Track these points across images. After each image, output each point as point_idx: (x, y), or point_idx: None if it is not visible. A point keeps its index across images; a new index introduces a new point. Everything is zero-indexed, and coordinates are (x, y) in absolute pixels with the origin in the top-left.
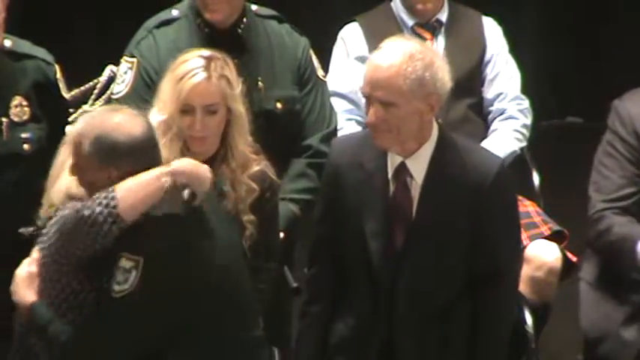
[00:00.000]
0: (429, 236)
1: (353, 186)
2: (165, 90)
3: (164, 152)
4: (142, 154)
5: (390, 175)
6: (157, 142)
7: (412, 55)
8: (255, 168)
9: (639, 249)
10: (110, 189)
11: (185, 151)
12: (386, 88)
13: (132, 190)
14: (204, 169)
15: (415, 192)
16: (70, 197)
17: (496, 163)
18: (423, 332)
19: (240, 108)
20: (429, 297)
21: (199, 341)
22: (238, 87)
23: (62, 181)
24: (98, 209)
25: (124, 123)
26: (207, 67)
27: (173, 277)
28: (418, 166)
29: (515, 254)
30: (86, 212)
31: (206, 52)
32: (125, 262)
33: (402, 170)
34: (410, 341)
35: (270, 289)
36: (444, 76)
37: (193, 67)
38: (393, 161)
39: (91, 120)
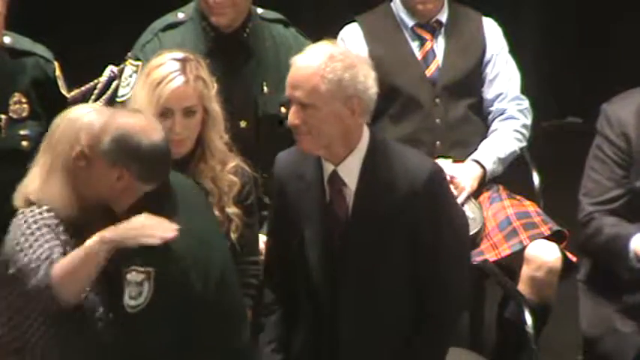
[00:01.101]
0: (364, 243)
1: (294, 197)
2: (142, 95)
3: None
4: (157, 163)
5: (325, 184)
6: (170, 154)
7: (332, 56)
8: (233, 163)
9: (631, 247)
10: (48, 263)
11: None
12: (304, 88)
13: (68, 274)
14: (158, 225)
15: (350, 199)
16: (29, 203)
17: (427, 168)
18: (367, 339)
19: (216, 107)
20: (369, 302)
21: (197, 353)
22: (213, 87)
23: (26, 183)
24: (34, 281)
25: (147, 128)
26: (183, 70)
27: (184, 287)
28: (350, 173)
29: (453, 257)
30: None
31: (179, 55)
32: (136, 276)
33: (334, 178)
34: (354, 347)
35: (259, 284)
36: (367, 80)
37: (170, 71)
38: (327, 170)
39: (113, 116)
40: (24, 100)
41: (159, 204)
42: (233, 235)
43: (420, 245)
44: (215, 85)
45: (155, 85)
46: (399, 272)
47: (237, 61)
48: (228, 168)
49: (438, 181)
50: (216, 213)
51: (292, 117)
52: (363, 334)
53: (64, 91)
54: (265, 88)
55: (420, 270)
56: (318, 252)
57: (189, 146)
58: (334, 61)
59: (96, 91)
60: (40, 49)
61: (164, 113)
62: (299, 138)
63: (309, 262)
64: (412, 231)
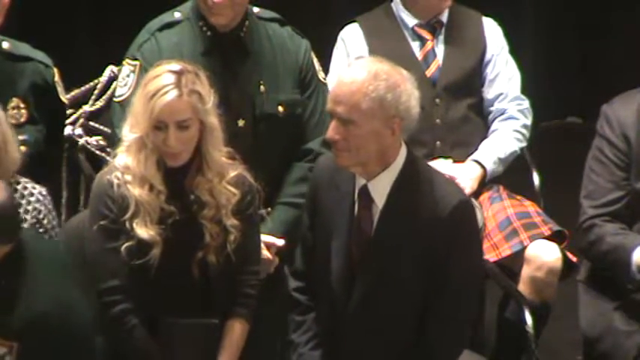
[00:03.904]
0: (381, 261)
1: (327, 205)
2: (138, 106)
3: (140, 168)
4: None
5: (355, 197)
6: (17, 208)
7: (376, 75)
8: (232, 173)
9: (633, 260)
10: None
11: (161, 164)
12: (346, 104)
13: None
14: None
15: (375, 216)
16: None
17: (454, 200)
18: (367, 354)
19: (213, 120)
20: (377, 323)
21: None
22: (210, 100)
23: None
24: None
25: None
26: (177, 84)
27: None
28: (380, 190)
29: (463, 293)
30: None
31: (176, 67)
32: None
33: (364, 193)
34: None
35: (258, 294)
36: (410, 100)
37: (164, 84)
38: (359, 183)
39: None
40: (22, 105)
41: (16, 264)
42: (229, 247)
43: (432, 274)
44: (212, 97)
45: (149, 97)
46: (409, 297)
47: (234, 60)
48: (228, 179)
49: (463, 215)
50: (212, 225)
51: (332, 132)
52: (364, 350)
53: (62, 97)
54: (262, 87)
55: (428, 299)
56: (340, 263)
57: (185, 158)
58: (378, 79)
59: (96, 92)
60: (40, 55)
61: (158, 125)
62: (336, 153)
63: (331, 272)
64: (428, 259)
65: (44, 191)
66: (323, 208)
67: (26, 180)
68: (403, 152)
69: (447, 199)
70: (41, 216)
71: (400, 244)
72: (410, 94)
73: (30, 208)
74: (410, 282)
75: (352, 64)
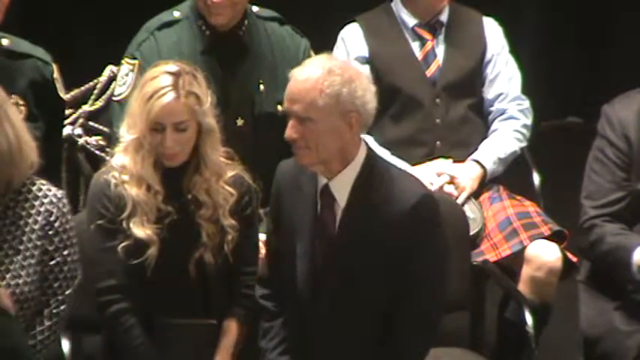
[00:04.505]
0: (346, 260)
1: (290, 208)
2: (135, 108)
3: (137, 168)
4: None
5: (317, 197)
6: None
7: (330, 70)
8: (230, 173)
9: (634, 260)
10: None
11: (158, 164)
12: (302, 101)
13: None
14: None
15: (338, 215)
16: None
17: (416, 195)
18: (338, 353)
19: (211, 121)
20: (345, 323)
21: None
22: (207, 101)
23: None
24: None
25: None
26: (175, 86)
27: None
28: (341, 189)
29: (429, 288)
30: None
31: (173, 68)
32: None
33: (325, 192)
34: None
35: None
36: (366, 94)
37: (162, 86)
38: (320, 182)
39: None
40: (21, 102)
41: None
42: (227, 247)
43: (397, 271)
44: (210, 98)
45: (147, 99)
46: (375, 295)
47: (233, 59)
48: (226, 179)
49: (426, 209)
50: (210, 225)
51: (290, 131)
52: (334, 351)
53: (61, 94)
54: (261, 87)
55: (394, 296)
56: (305, 265)
57: (182, 158)
58: (333, 75)
59: (95, 91)
60: (39, 52)
61: (155, 127)
62: (297, 152)
63: (296, 274)
64: (393, 255)
65: (60, 194)
66: (286, 211)
67: (43, 182)
68: (363, 149)
69: (408, 194)
70: (52, 218)
71: (364, 242)
72: (365, 89)
73: (42, 209)
74: (375, 280)
75: (305, 63)
